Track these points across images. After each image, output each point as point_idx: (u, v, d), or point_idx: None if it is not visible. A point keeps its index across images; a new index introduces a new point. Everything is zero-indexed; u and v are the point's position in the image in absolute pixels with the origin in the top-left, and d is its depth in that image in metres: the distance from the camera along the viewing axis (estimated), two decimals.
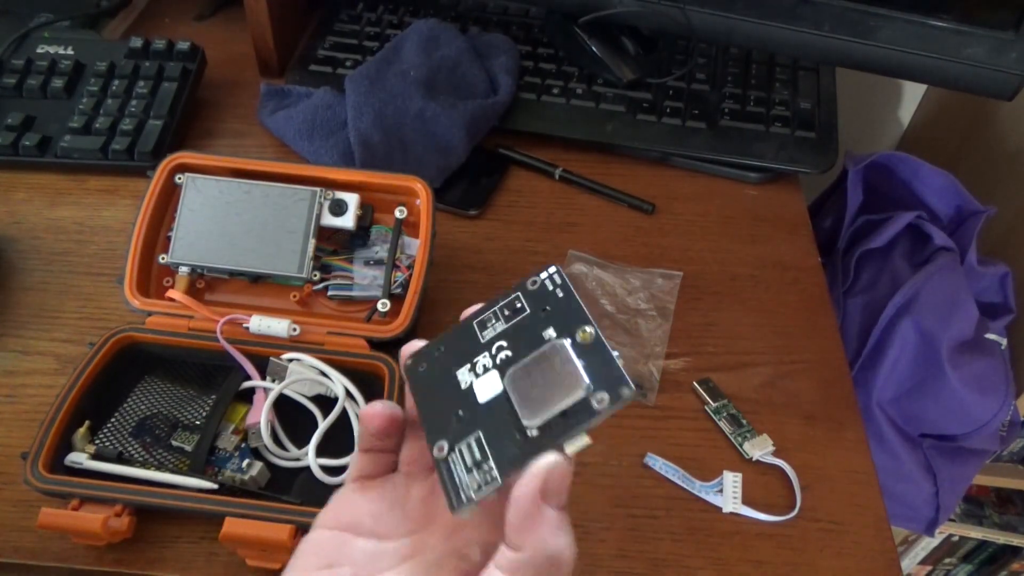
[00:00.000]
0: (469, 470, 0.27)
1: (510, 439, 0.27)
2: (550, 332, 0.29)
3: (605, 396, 0.26)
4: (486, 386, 0.29)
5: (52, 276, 0.60)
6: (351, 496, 0.32)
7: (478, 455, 0.27)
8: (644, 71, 0.73)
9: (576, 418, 0.26)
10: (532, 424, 0.27)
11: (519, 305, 0.30)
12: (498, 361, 0.29)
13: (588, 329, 0.28)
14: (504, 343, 0.29)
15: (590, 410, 0.26)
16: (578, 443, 0.26)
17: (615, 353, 0.27)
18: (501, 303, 0.31)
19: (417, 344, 0.32)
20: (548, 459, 0.26)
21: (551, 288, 0.30)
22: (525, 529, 0.25)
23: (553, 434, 0.26)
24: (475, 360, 0.30)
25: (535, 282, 0.30)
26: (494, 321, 0.30)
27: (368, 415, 0.31)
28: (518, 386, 0.28)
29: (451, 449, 0.28)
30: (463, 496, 0.27)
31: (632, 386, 0.26)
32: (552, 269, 0.31)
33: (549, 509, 0.25)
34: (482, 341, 0.30)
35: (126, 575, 0.46)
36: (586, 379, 0.27)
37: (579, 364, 0.27)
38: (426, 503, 0.32)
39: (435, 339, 0.31)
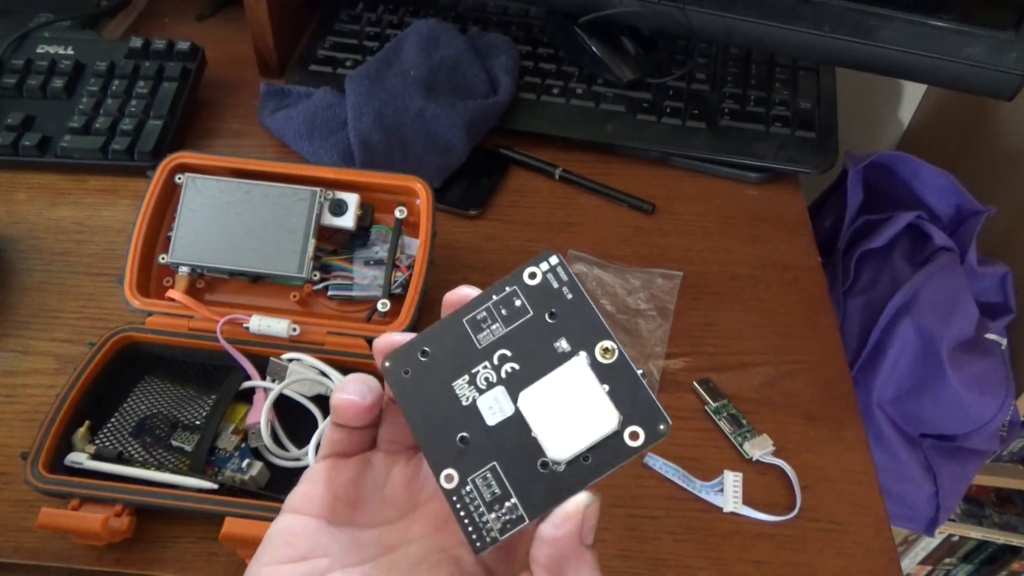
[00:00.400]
0: (490, 506, 0.25)
1: (533, 473, 0.25)
2: (563, 345, 0.26)
3: (640, 432, 0.24)
4: (493, 405, 0.26)
5: (52, 276, 0.60)
6: (324, 476, 0.29)
7: (497, 490, 0.25)
8: (644, 71, 0.73)
9: (608, 455, 0.24)
10: (559, 459, 0.25)
11: (518, 303, 0.26)
12: (503, 375, 0.26)
13: (609, 345, 0.25)
14: (507, 352, 0.26)
15: (624, 447, 0.24)
16: (604, 475, 0.25)
17: (639, 372, 0.25)
18: (495, 299, 0.27)
19: (391, 339, 0.28)
20: (583, 498, 0.24)
21: (556, 286, 0.26)
22: (564, 571, 0.24)
23: (582, 470, 0.24)
24: (474, 371, 0.26)
25: (534, 275, 0.27)
26: (491, 323, 0.27)
27: (341, 405, 0.28)
28: (536, 412, 0.25)
29: (462, 481, 0.25)
30: (487, 537, 0.25)
31: (669, 420, 0.24)
32: (554, 260, 0.27)
33: (587, 550, 0.24)
34: (479, 347, 0.26)
35: (126, 575, 0.46)
36: (616, 410, 0.24)
37: (604, 390, 0.25)
38: (409, 488, 0.29)
39: (417, 337, 0.27)
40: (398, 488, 0.29)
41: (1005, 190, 0.89)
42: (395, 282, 0.55)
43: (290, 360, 0.51)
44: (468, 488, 0.25)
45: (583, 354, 0.26)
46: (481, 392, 0.26)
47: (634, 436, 0.24)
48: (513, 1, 0.80)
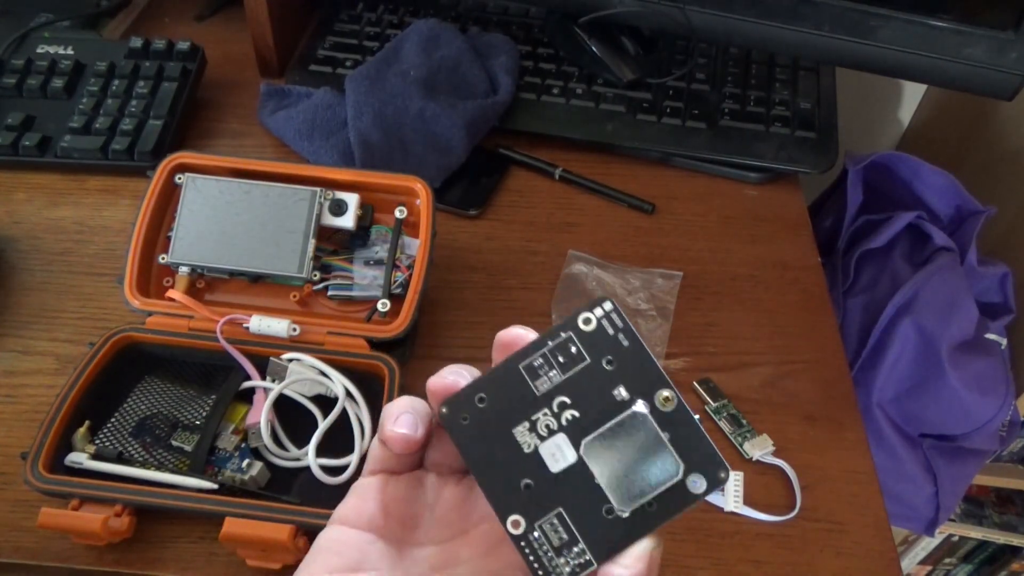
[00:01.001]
0: (559, 551, 0.26)
1: (599, 520, 0.26)
2: (622, 392, 0.27)
3: (702, 481, 0.25)
4: (556, 453, 0.27)
5: (52, 276, 0.60)
6: (375, 492, 0.29)
7: (564, 536, 0.26)
8: (644, 71, 0.73)
9: (672, 502, 0.25)
10: (625, 507, 0.26)
11: (574, 350, 0.27)
12: (564, 422, 0.27)
13: (668, 394, 0.26)
14: (567, 399, 0.27)
15: (687, 495, 0.25)
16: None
17: (696, 417, 0.26)
18: (551, 345, 0.27)
19: (444, 382, 0.28)
20: (650, 543, 0.25)
21: (611, 332, 0.27)
22: None
23: (647, 517, 0.26)
24: (534, 418, 0.27)
25: (589, 321, 0.27)
26: (547, 369, 0.27)
27: (393, 439, 0.28)
28: (599, 460, 0.26)
29: (530, 527, 0.26)
30: None
31: (728, 468, 0.26)
32: (608, 307, 0.27)
33: None
34: (538, 394, 0.27)
35: (126, 575, 0.46)
36: (679, 459, 0.26)
37: (665, 438, 0.26)
38: (460, 510, 0.29)
39: (473, 384, 0.28)
40: (449, 509, 0.29)
41: (1005, 190, 0.89)
42: (395, 282, 0.55)
43: (290, 360, 0.51)
44: (536, 534, 0.26)
45: (643, 402, 0.26)
46: (542, 439, 0.27)
47: (696, 485, 0.25)
48: (513, 1, 0.80)
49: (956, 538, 1.20)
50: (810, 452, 0.53)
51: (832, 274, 0.81)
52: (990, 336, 0.78)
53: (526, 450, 0.27)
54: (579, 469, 0.26)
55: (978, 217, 0.79)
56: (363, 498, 0.29)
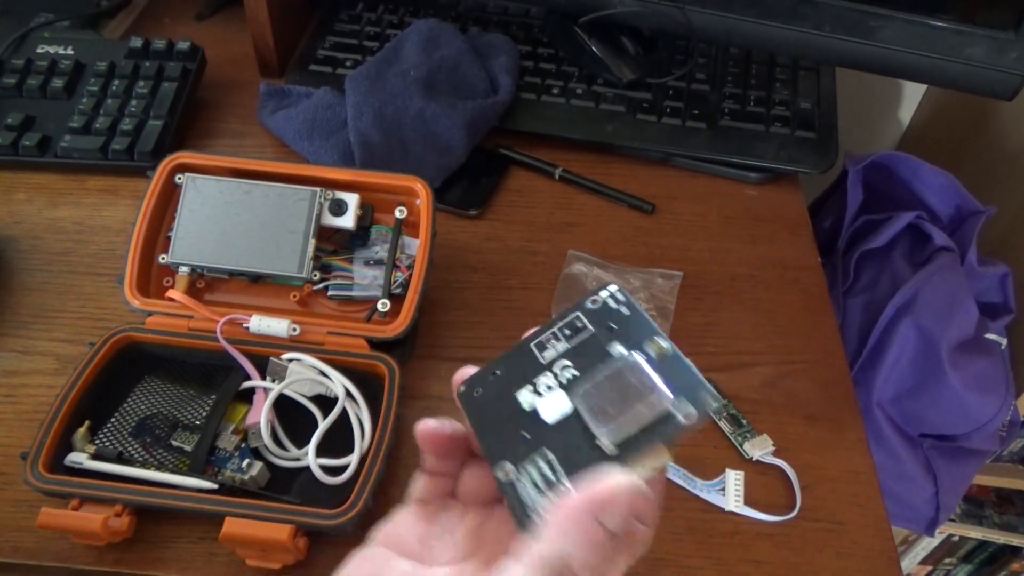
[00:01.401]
0: (540, 490, 0.26)
1: (586, 457, 0.26)
2: (618, 348, 0.28)
3: (691, 409, 0.25)
4: (552, 405, 0.28)
5: (52, 276, 0.60)
6: (406, 516, 0.32)
7: (549, 474, 0.26)
8: (644, 71, 0.73)
9: (658, 432, 0.25)
10: (611, 441, 0.26)
11: (580, 325, 0.29)
12: (563, 380, 0.28)
13: (661, 341, 0.27)
14: (568, 362, 0.28)
15: (675, 423, 0.25)
16: (659, 461, 0.25)
17: (690, 361, 0.26)
18: (560, 324, 0.29)
19: (470, 370, 0.30)
20: (623, 477, 0.24)
21: (614, 306, 0.29)
22: (559, 527, 0.24)
23: (633, 450, 0.25)
24: (536, 380, 0.28)
25: (595, 301, 0.29)
26: (554, 342, 0.29)
27: (421, 429, 0.30)
28: (591, 404, 0.27)
29: (517, 470, 0.27)
30: (531, 515, 0.26)
31: (718, 396, 0.26)
32: (613, 288, 0.29)
33: (596, 524, 0.24)
34: (543, 362, 0.29)
35: (126, 575, 0.46)
36: (668, 392, 0.26)
37: (657, 377, 0.26)
38: (477, 533, 0.31)
39: (490, 363, 0.30)
40: (467, 533, 0.31)
41: (1005, 190, 0.89)
42: (395, 282, 0.55)
43: (290, 360, 0.51)
44: (523, 478, 0.27)
45: (637, 352, 0.27)
46: (542, 396, 0.28)
47: (687, 415, 0.25)
48: (513, 1, 0.80)
49: (956, 538, 1.20)
50: (810, 452, 0.53)
51: (832, 274, 0.81)
52: (990, 336, 0.78)
53: (526, 408, 0.28)
54: (573, 418, 0.27)
55: (978, 217, 0.79)
56: (397, 520, 0.32)
